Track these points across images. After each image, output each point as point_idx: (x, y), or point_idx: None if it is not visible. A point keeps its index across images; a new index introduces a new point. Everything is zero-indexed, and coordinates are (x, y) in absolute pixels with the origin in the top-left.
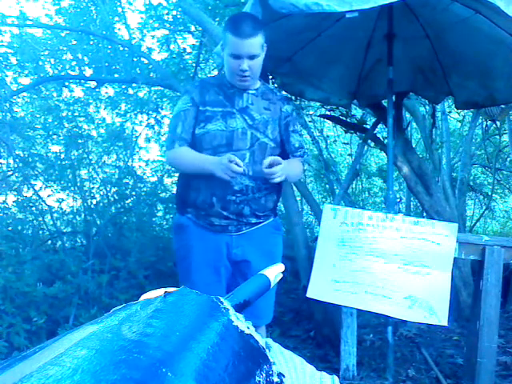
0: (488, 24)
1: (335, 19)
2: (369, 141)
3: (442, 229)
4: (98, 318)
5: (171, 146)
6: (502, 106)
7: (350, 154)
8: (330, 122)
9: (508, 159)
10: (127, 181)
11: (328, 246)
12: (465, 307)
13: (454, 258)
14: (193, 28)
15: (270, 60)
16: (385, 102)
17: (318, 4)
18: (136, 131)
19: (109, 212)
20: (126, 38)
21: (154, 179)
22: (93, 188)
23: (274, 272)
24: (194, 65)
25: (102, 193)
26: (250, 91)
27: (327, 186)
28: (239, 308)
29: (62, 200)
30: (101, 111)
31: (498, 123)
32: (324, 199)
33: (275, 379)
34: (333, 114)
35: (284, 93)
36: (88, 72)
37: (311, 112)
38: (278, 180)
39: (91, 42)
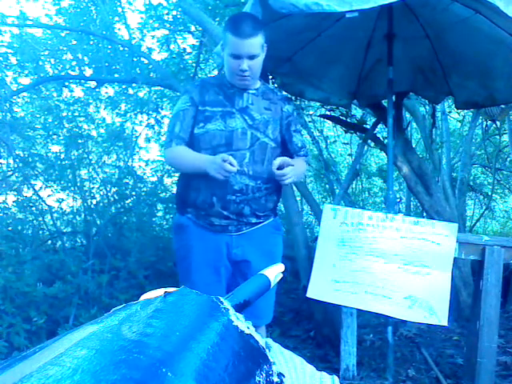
0: (488, 24)
1: (335, 19)
2: (369, 141)
3: (442, 229)
4: (97, 317)
5: (169, 145)
6: (502, 106)
7: (350, 154)
8: (330, 122)
9: (508, 159)
10: (127, 181)
11: (328, 246)
12: (465, 307)
13: (454, 258)
14: (193, 28)
15: (270, 60)
16: (385, 102)
17: (318, 4)
18: (136, 131)
19: (109, 212)
20: (125, 37)
21: (154, 179)
22: (93, 188)
23: (274, 272)
24: (194, 65)
25: (102, 193)
26: (250, 91)
27: (327, 185)
28: (239, 308)
29: (62, 200)
30: (101, 111)
31: (497, 123)
32: (324, 199)
33: (275, 379)
34: (333, 114)
35: (284, 93)
36: (88, 72)
37: (311, 112)
38: (289, 181)
39: (91, 42)
